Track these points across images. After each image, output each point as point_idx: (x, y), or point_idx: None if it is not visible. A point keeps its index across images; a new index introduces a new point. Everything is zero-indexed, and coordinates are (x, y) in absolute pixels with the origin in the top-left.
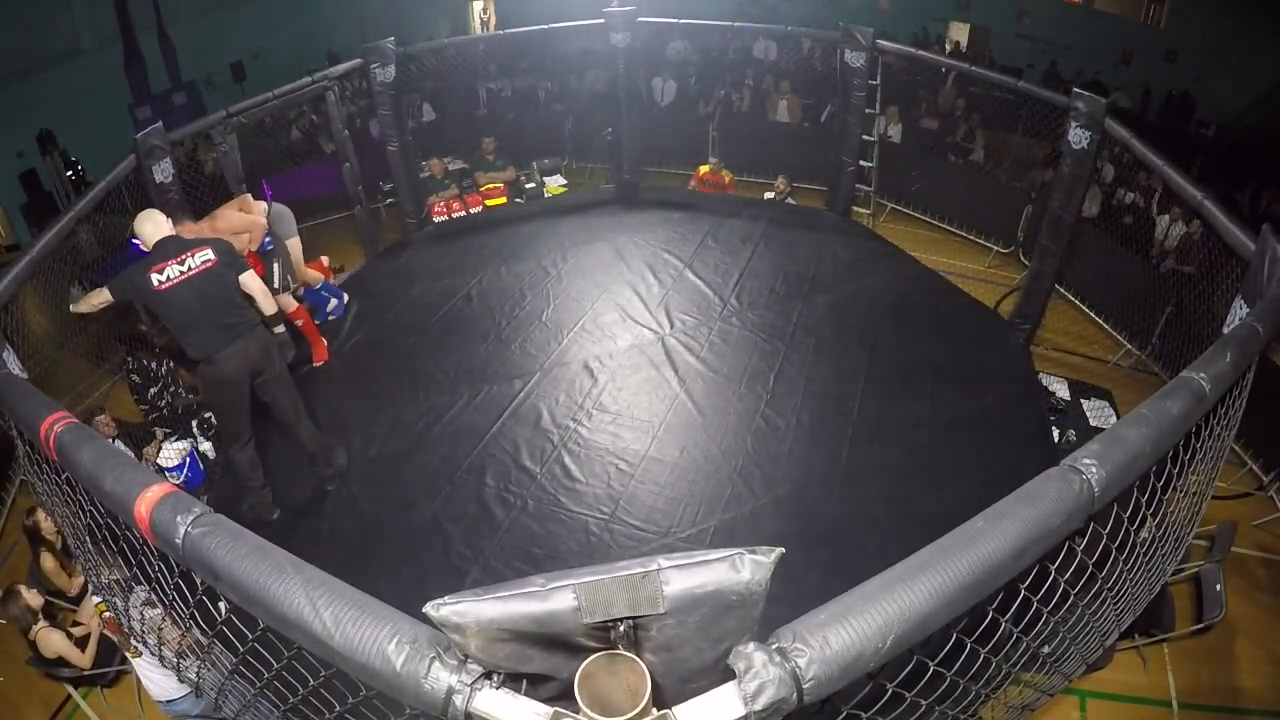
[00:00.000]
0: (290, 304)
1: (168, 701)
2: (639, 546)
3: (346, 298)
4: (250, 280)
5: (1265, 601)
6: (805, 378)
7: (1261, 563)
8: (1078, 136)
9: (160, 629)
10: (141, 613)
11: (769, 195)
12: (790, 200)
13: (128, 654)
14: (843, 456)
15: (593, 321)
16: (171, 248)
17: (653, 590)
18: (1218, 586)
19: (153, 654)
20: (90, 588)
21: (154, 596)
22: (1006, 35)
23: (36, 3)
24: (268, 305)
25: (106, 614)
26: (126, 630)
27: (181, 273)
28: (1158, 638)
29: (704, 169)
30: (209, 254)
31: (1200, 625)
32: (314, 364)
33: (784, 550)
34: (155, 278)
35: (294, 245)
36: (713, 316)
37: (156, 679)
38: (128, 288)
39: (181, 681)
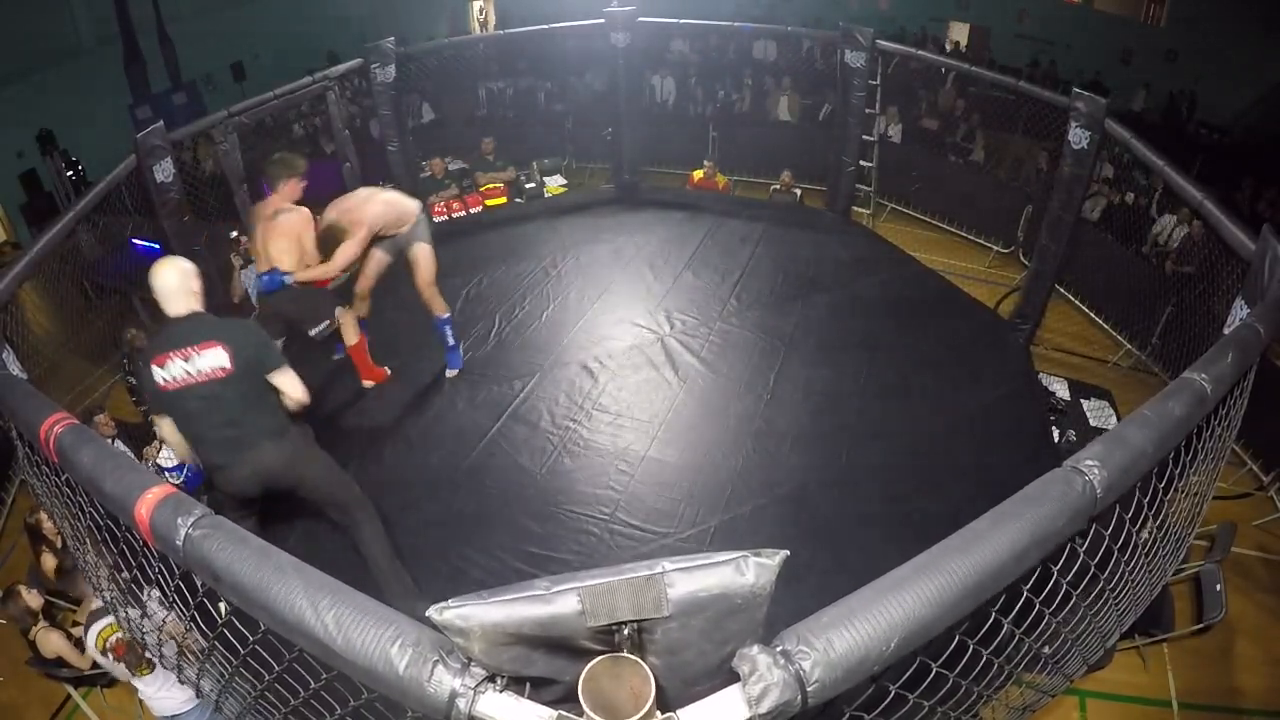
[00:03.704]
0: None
1: (173, 717)
2: (639, 547)
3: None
4: (284, 379)
5: (1265, 601)
6: (805, 377)
7: (1261, 563)
8: (1078, 136)
9: (162, 628)
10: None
11: (775, 187)
12: (795, 191)
13: (136, 675)
14: (843, 456)
15: (593, 321)
16: (178, 335)
17: (657, 593)
18: (1218, 587)
19: (153, 654)
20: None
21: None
22: (1006, 35)
23: (36, 3)
24: (301, 401)
25: (115, 637)
26: (134, 640)
27: (186, 374)
28: (1158, 638)
29: (698, 174)
30: (222, 356)
31: (1200, 625)
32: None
33: (788, 553)
34: (158, 373)
35: (426, 252)
36: (713, 316)
37: (162, 697)
38: (144, 383)
39: (182, 682)
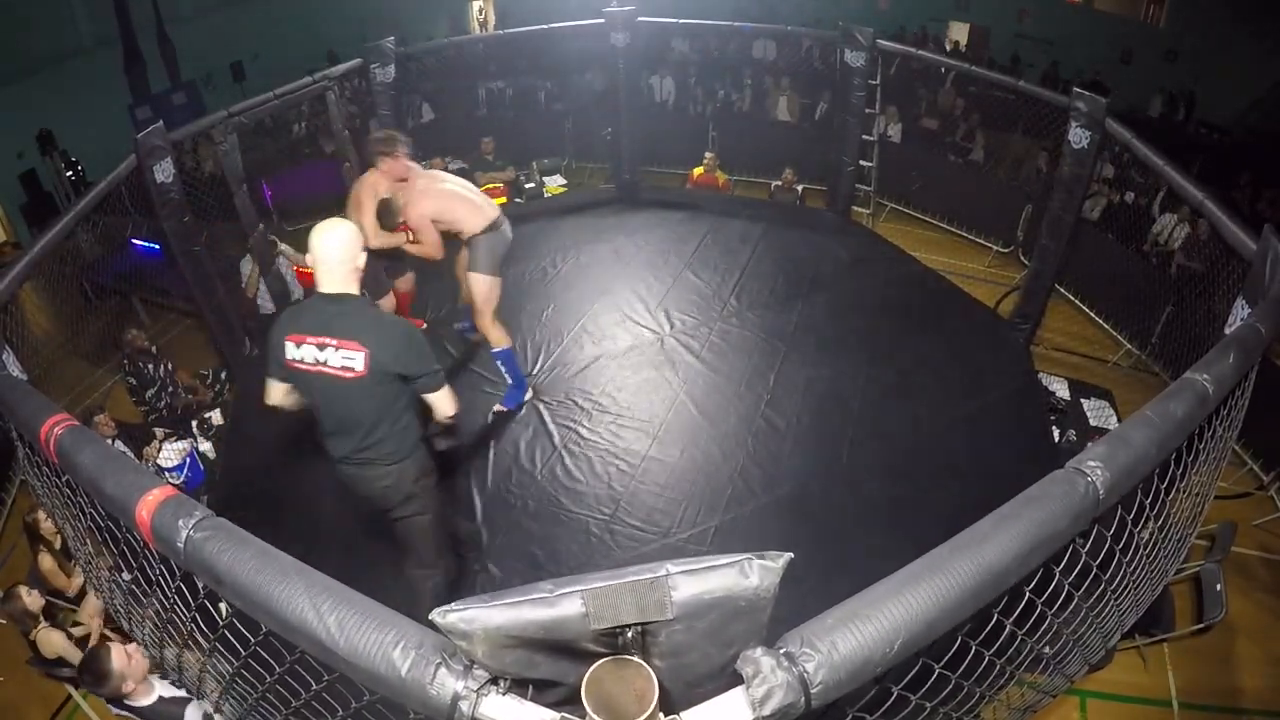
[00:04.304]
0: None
1: None
2: (640, 547)
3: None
4: (436, 398)
5: (1265, 601)
6: (805, 378)
7: (1261, 563)
8: (1078, 136)
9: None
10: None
11: (777, 184)
12: (797, 188)
13: None
14: (843, 456)
15: (593, 322)
16: (323, 318)
17: (661, 596)
18: (1218, 586)
19: (152, 654)
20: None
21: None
22: (1006, 35)
23: (36, 3)
24: (451, 418)
25: None
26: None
27: (316, 362)
28: (1158, 638)
29: (698, 171)
30: (358, 359)
31: (1200, 625)
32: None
33: (792, 555)
34: (290, 348)
35: (477, 281)
36: (713, 316)
37: None
38: (270, 346)
39: (180, 686)
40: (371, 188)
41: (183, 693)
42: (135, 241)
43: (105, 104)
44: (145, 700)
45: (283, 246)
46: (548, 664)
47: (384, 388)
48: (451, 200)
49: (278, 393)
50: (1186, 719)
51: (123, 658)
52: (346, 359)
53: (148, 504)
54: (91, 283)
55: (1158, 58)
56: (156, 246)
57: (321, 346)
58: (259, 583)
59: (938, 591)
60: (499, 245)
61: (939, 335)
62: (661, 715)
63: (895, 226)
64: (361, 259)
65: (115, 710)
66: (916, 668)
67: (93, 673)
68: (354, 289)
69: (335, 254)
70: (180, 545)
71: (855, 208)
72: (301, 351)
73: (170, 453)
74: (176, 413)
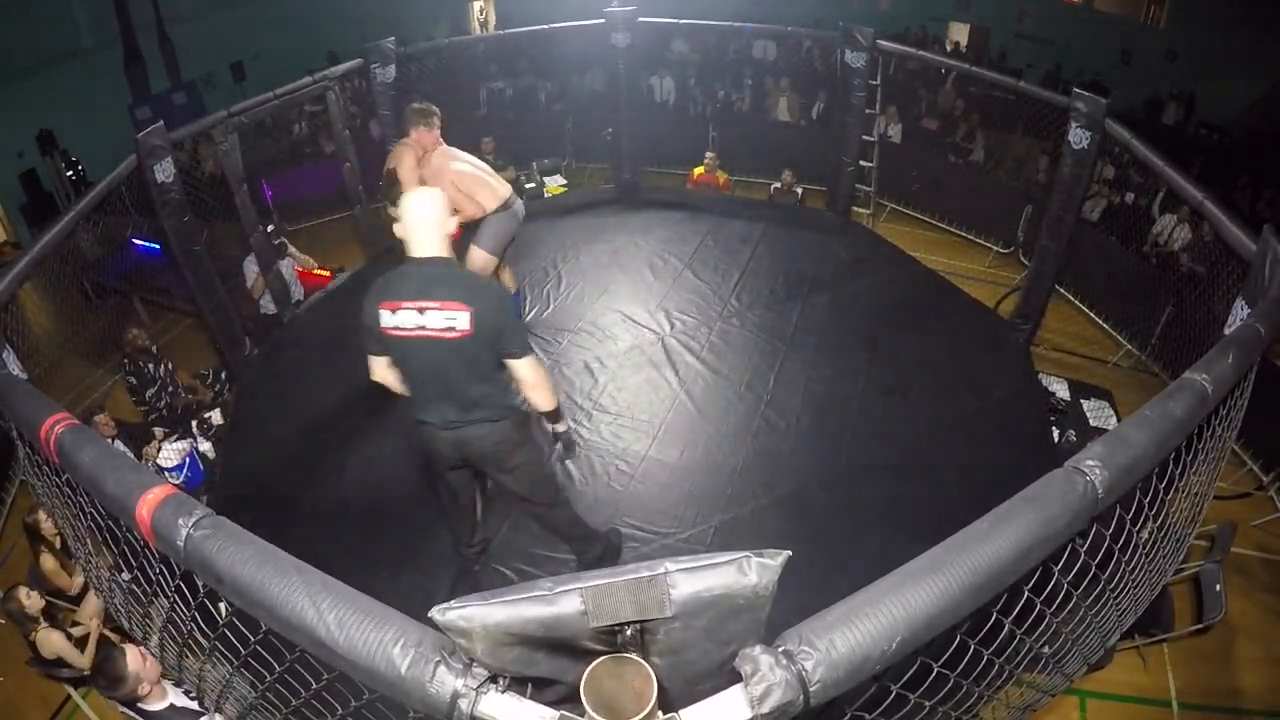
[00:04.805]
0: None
1: None
2: (640, 547)
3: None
4: (521, 367)
5: (1265, 601)
6: (805, 378)
7: (1261, 563)
8: (1078, 137)
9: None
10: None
11: (776, 186)
12: (796, 190)
13: None
14: (843, 457)
15: (593, 322)
16: (420, 281)
17: (660, 594)
18: (1217, 587)
19: (152, 652)
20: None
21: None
22: (1007, 35)
23: (36, 3)
24: (544, 399)
25: None
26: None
27: (417, 327)
28: (1158, 638)
29: (698, 170)
30: (462, 319)
31: (1200, 625)
32: None
33: (791, 553)
34: (385, 316)
35: (475, 255)
36: (713, 317)
37: None
38: (364, 319)
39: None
40: (410, 159)
41: (195, 705)
42: (136, 241)
43: (105, 104)
44: (158, 705)
45: (291, 249)
46: (547, 662)
47: (485, 347)
48: (471, 175)
49: (379, 367)
50: (1186, 719)
51: (138, 659)
52: (449, 319)
53: (148, 503)
54: (92, 282)
55: (1158, 58)
56: (157, 246)
57: (422, 310)
58: (259, 581)
59: (936, 590)
60: (509, 224)
61: (939, 335)
62: (660, 713)
63: (895, 226)
64: (451, 224)
65: (122, 709)
66: (915, 666)
67: (107, 676)
68: (446, 252)
69: (427, 216)
70: (180, 544)
71: (855, 208)
72: (399, 318)
73: (170, 453)
74: (176, 413)
